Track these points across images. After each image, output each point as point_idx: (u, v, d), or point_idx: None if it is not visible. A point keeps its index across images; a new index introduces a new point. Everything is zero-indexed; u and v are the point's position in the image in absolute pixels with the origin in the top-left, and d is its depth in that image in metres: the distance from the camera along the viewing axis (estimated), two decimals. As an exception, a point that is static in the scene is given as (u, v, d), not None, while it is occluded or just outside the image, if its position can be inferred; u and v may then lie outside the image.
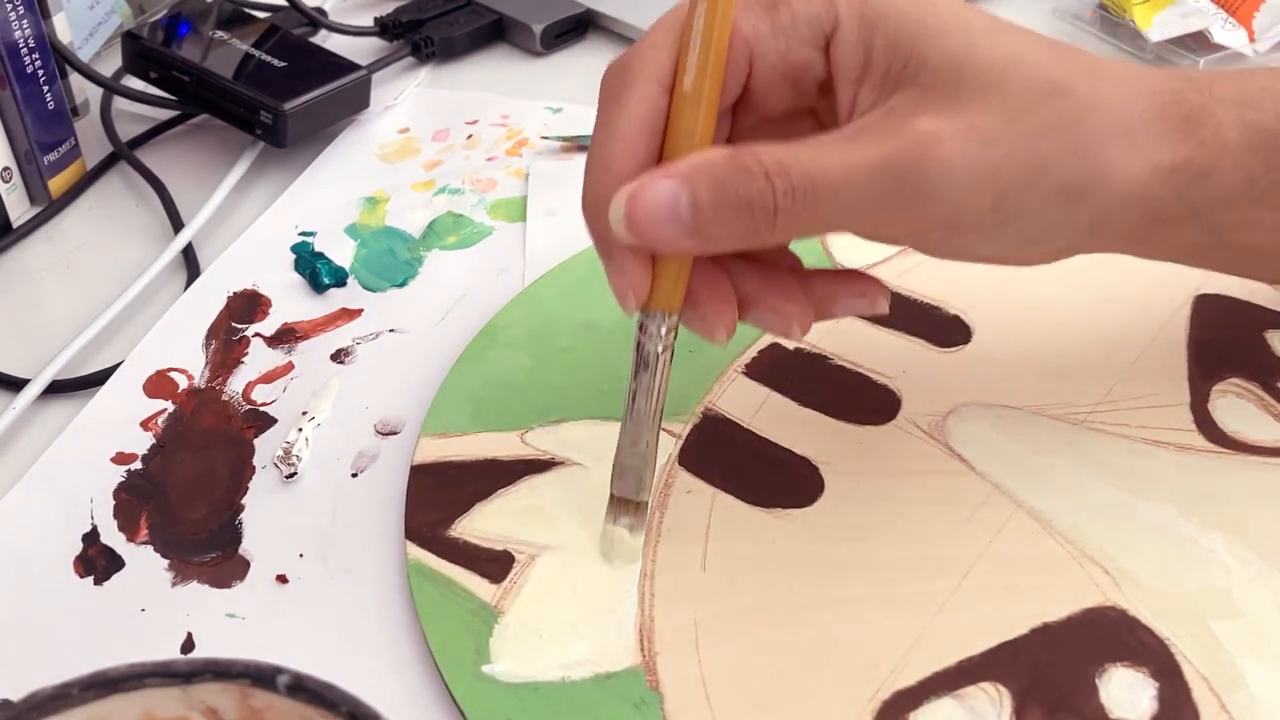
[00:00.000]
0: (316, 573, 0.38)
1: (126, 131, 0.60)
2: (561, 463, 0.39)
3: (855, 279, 0.35)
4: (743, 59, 0.32)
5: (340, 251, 0.51)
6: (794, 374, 0.42)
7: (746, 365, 0.42)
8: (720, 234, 0.31)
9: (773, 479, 0.38)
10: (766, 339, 0.43)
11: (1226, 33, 0.58)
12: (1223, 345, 0.41)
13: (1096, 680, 0.32)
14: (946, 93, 0.30)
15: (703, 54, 0.32)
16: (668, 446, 0.40)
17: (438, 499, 0.38)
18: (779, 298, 0.34)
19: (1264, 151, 0.33)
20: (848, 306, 0.35)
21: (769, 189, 0.30)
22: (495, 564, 0.36)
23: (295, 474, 0.41)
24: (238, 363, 0.46)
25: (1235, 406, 0.39)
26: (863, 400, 0.40)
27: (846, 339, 0.43)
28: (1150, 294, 0.43)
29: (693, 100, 0.32)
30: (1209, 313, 0.42)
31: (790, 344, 0.43)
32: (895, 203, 0.30)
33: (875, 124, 0.31)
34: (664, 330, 0.33)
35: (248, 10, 0.63)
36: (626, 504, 0.36)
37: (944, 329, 0.43)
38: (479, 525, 0.38)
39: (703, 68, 0.32)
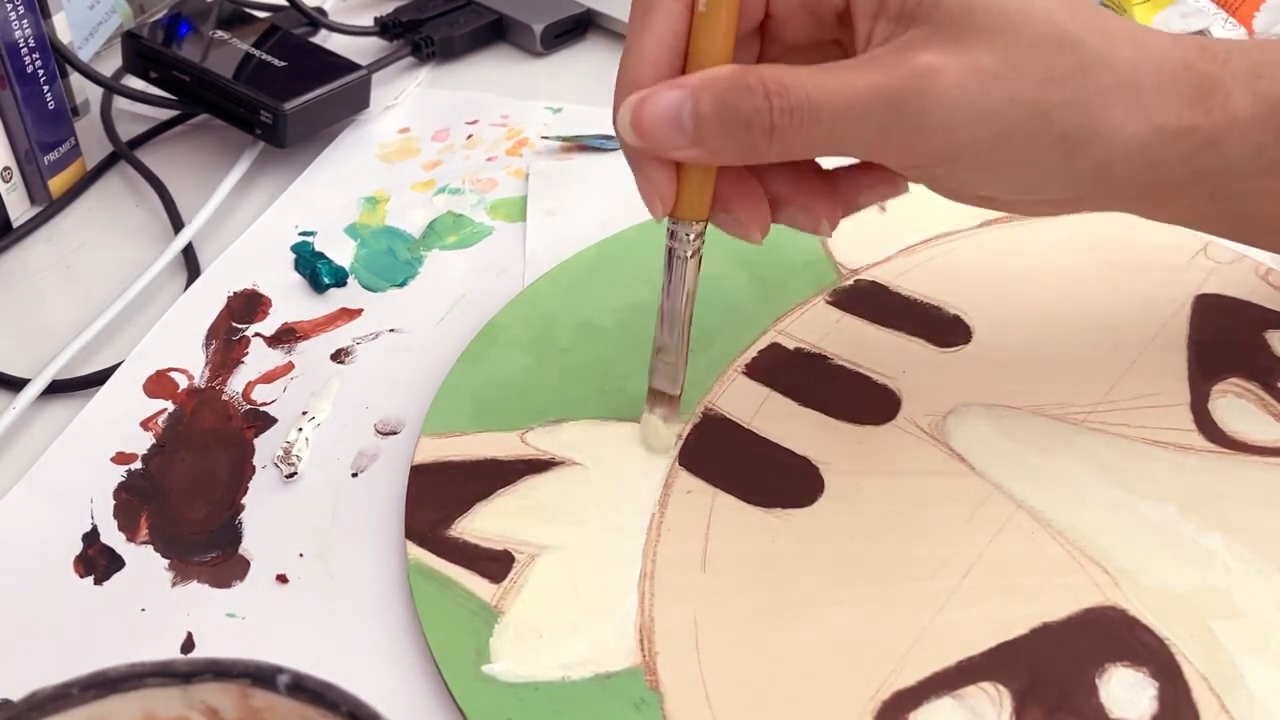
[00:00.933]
0: (316, 573, 0.38)
1: (127, 131, 0.60)
2: (562, 463, 0.39)
3: (873, 170, 0.36)
4: None
5: (340, 251, 0.51)
6: (794, 374, 0.42)
7: (746, 365, 0.42)
8: (721, 145, 0.32)
9: (773, 479, 0.38)
10: (766, 339, 0.43)
11: (1227, 32, 0.58)
12: (1223, 345, 0.41)
13: (1096, 680, 0.32)
14: (957, 32, 0.31)
15: None
16: (668, 446, 0.40)
17: (438, 499, 0.38)
18: (808, 196, 0.35)
19: (1274, 122, 0.33)
20: (872, 194, 0.36)
21: (766, 106, 0.31)
22: (495, 564, 0.36)
23: (295, 474, 0.41)
24: (238, 363, 0.46)
25: (1235, 406, 0.39)
26: (863, 400, 0.40)
27: (847, 339, 0.43)
28: (1150, 294, 0.43)
29: (710, 20, 0.33)
30: (1209, 313, 0.42)
31: (790, 344, 0.43)
32: (893, 130, 0.31)
33: (883, 55, 0.32)
34: (691, 235, 0.35)
35: (248, 10, 0.63)
36: (661, 396, 0.38)
37: (944, 329, 0.43)
38: (479, 525, 0.38)
39: None
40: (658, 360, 0.38)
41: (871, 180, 0.36)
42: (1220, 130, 0.33)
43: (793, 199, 0.35)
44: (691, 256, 0.36)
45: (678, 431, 0.39)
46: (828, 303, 0.44)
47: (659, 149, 0.33)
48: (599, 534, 0.37)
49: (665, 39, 0.33)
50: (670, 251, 0.36)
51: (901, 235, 0.47)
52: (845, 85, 0.31)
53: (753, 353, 0.43)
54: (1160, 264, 0.44)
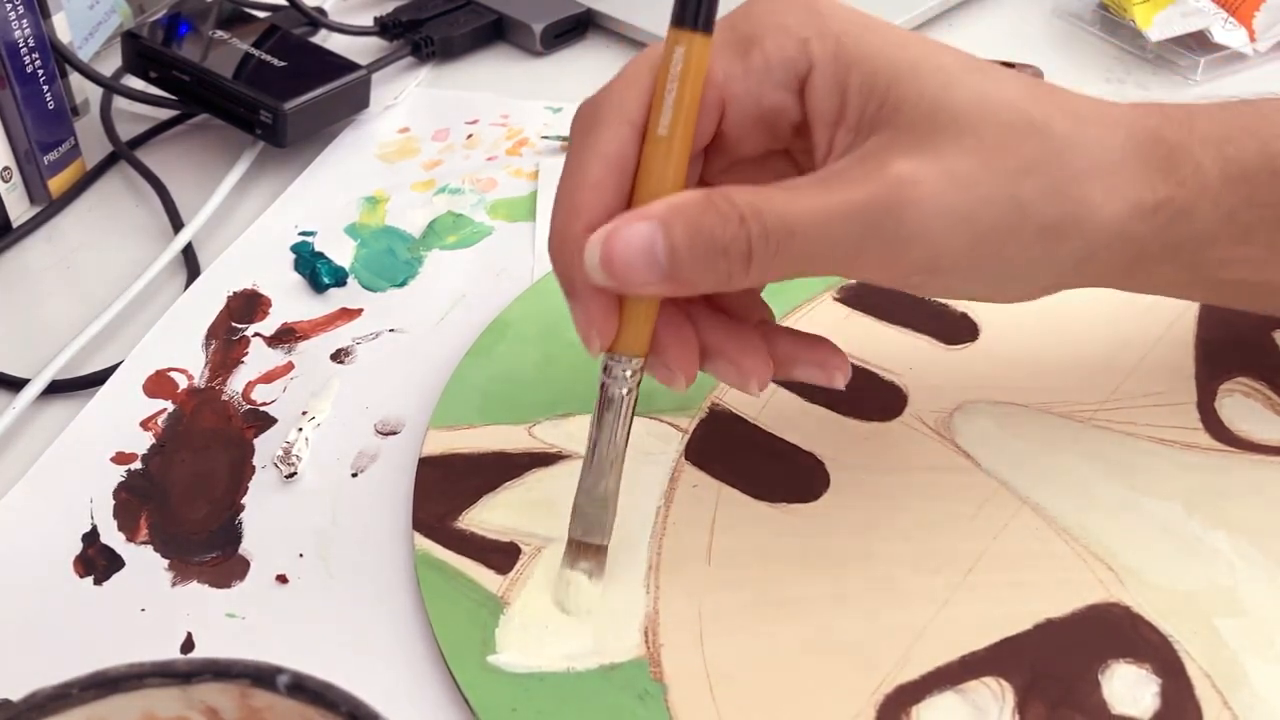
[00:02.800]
0: (316, 573, 0.38)
1: (126, 131, 0.60)
2: (568, 456, 0.39)
3: (818, 346, 0.35)
4: (715, 103, 0.32)
5: (340, 251, 0.51)
6: None
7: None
8: (696, 277, 0.30)
9: (778, 474, 0.38)
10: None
11: (1227, 32, 0.58)
12: (1230, 344, 0.41)
13: (1099, 676, 0.32)
14: (923, 135, 0.30)
15: (679, 97, 0.31)
16: (675, 441, 0.40)
17: (446, 491, 0.39)
18: (740, 351, 0.34)
19: (1245, 189, 0.32)
20: (805, 373, 0.35)
21: (743, 233, 0.30)
22: (502, 555, 0.36)
23: (295, 474, 0.41)
24: (238, 363, 0.46)
25: (1242, 405, 0.39)
26: (869, 397, 0.40)
27: (854, 335, 0.43)
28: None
29: (666, 143, 0.31)
30: (1216, 312, 0.42)
31: None
32: (871, 247, 0.30)
33: (851, 167, 0.31)
34: (629, 373, 0.33)
35: (248, 10, 0.63)
36: (586, 548, 0.35)
37: (951, 326, 0.43)
38: (486, 517, 0.38)
39: (678, 111, 0.31)
40: (584, 507, 0.35)
41: (811, 359, 0.34)
42: (1193, 200, 0.32)
43: (723, 350, 0.33)
44: (628, 394, 0.33)
45: (601, 590, 0.35)
46: (835, 299, 0.44)
47: (628, 286, 0.31)
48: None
49: (610, 163, 0.31)
50: (604, 388, 0.33)
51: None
52: (818, 204, 0.30)
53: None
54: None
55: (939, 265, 0.31)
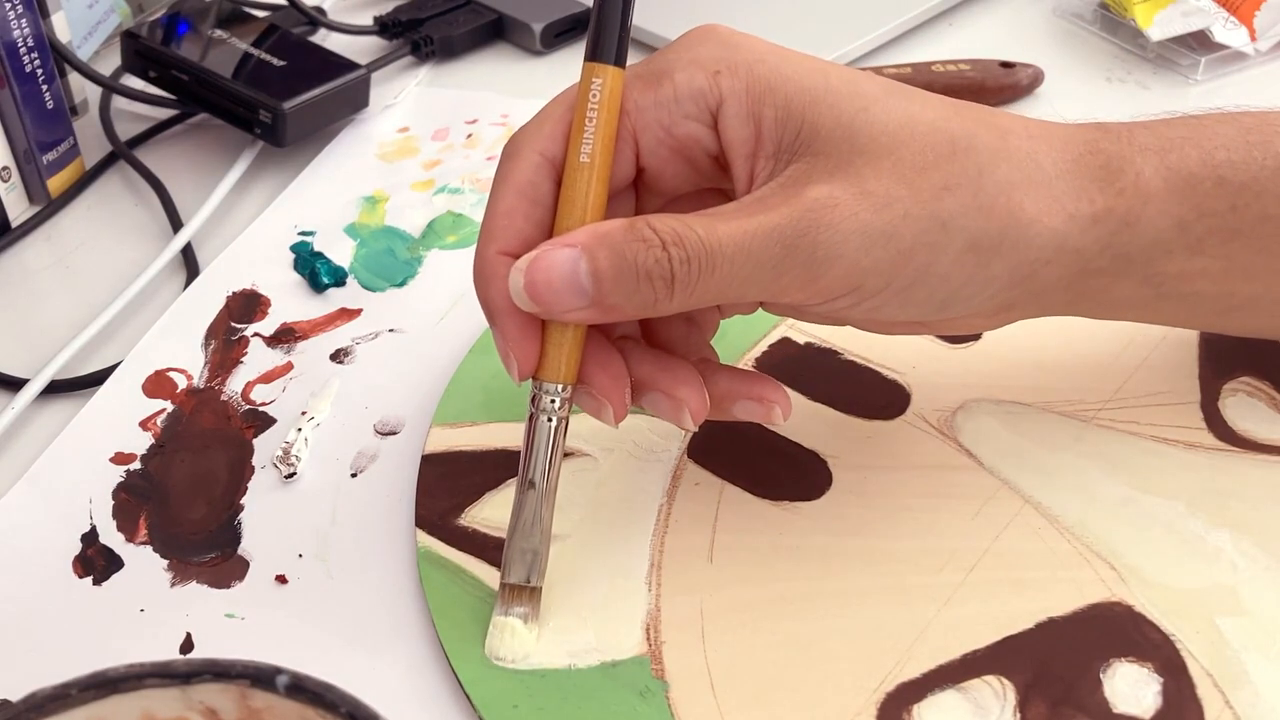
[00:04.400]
0: (316, 573, 0.38)
1: (125, 131, 0.60)
2: (571, 454, 0.39)
3: (756, 382, 0.35)
4: (628, 134, 0.33)
5: (340, 251, 0.51)
6: (804, 368, 0.42)
7: (757, 359, 0.42)
8: (621, 302, 0.31)
9: (781, 472, 0.38)
10: (778, 333, 0.43)
11: (1227, 32, 0.58)
12: (1233, 344, 0.41)
13: (1101, 675, 0.32)
14: (840, 160, 0.31)
15: (598, 125, 0.32)
16: (677, 439, 0.40)
17: (448, 488, 0.39)
18: (671, 383, 0.33)
19: (1193, 198, 0.32)
20: (744, 409, 0.35)
21: (665, 258, 0.30)
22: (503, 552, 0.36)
23: (294, 474, 0.41)
24: (237, 363, 0.46)
25: (1245, 405, 0.39)
26: (872, 395, 0.40)
27: (858, 334, 0.42)
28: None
29: (588, 169, 0.32)
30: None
31: (801, 339, 0.43)
32: (790, 268, 0.30)
33: (770, 194, 0.31)
34: (555, 403, 0.33)
35: (247, 9, 0.63)
36: (519, 591, 0.34)
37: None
38: (489, 514, 0.38)
39: (598, 138, 0.32)
40: (515, 547, 0.33)
41: (750, 395, 0.34)
42: (1136, 210, 0.32)
43: (657, 384, 0.33)
44: (556, 424, 0.33)
45: (537, 634, 0.34)
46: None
47: (554, 312, 0.31)
48: (607, 525, 0.37)
49: (520, 190, 0.32)
50: (531, 418, 0.33)
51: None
52: (737, 228, 0.30)
53: (763, 346, 0.43)
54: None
55: (863, 284, 0.31)
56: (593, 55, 0.32)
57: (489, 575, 0.36)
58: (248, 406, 0.44)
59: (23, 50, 0.52)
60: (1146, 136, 0.33)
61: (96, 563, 0.38)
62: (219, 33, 0.58)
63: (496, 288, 0.32)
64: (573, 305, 0.31)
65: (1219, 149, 0.33)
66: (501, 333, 0.32)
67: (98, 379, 0.46)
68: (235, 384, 0.45)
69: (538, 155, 0.32)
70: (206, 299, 0.49)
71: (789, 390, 0.40)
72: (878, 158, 0.30)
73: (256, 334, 0.47)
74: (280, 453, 0.41)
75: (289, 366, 0.45)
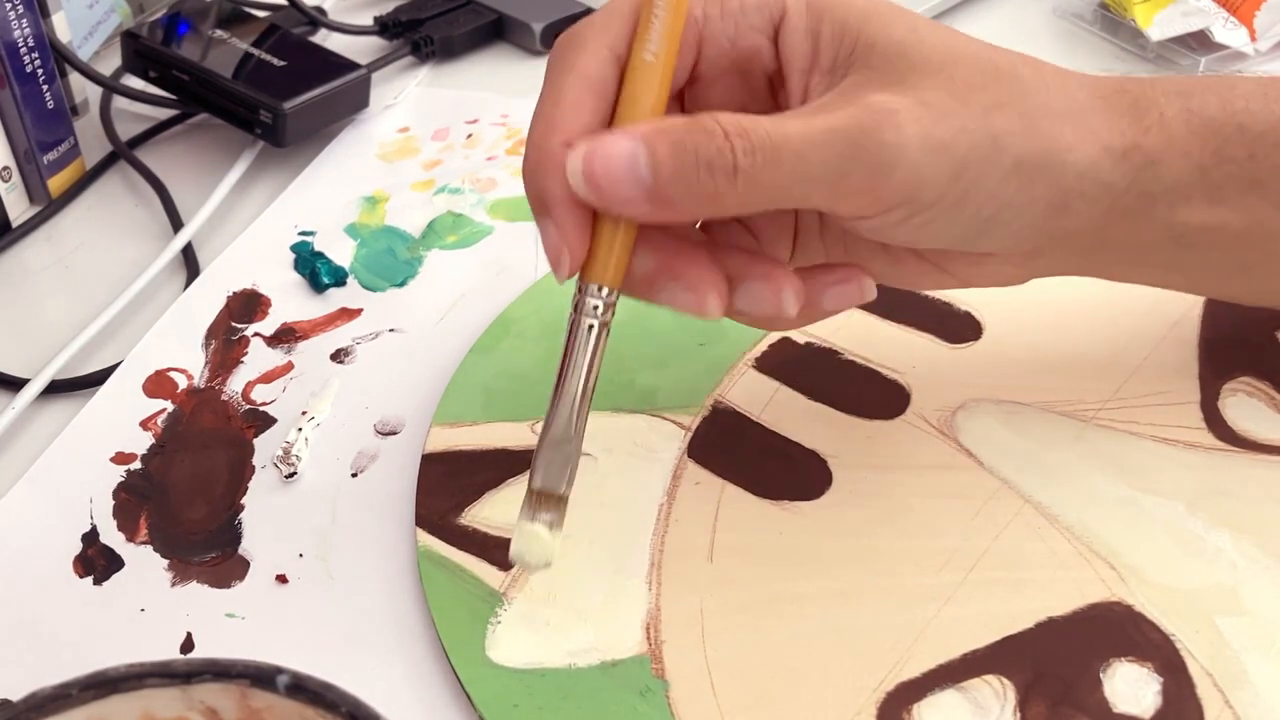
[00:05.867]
0: (316, 573, 0.38)
1: (126, 131, 0.60)
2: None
3: (836, 269, 0.34)
4: (692, 42, 0.33)
5: (340, 251, 0.51)
6: (804, 368, 0.42)
7: (757, 359, 0.42)
8: (680, 195, 0.30)
9: (781, 472, 0.38)
10: (777, 334, 0.43)
11: (1228, 32, 0.58)
12: (1233, 344, 0.41)
13: (1101, 675, 0.32)
14: (896, 75, 0.31)
15: (666, 25, 0.32)
16: (677, 439, 0.40)
17: (448, 487, 0.39)
18: (764, 274, 0.33)
19: (1213, 142, 0.33)
20: (836, 297, 0.34)
21: (729, 148, 0.30)
22: (504, 551, 0.36)
23: (295, 474, 0.41)
24: (237, 362, 0.46)
25: (1245, 405, 0.39)
26: (872, 395, 0.40)
27: (857, 334, 0.43)
28: (1162, 291, 0.43)
29: (651, 69, 0.32)
30: (1220, 311, 0.42)
31: (801, 339, 0.43)
32: (855, 169, 0.30)
33: (831, 101, 0.31)
34: (598, 307, 0.32)
35: (247, 9, 0.63)
36: (546, 498, 0.33)
37: (954, 325, 0.43)
38: (489, 514, 0.38)
39: (665, 38, 0.32)
40: (546, 453, 0.32)
41: (835, 279, 0.34)
42: (1160, 149, 0.33)
43: (750, 274, 0.33)
44: (598, 328, 0.32)
45: (559, 542, 0.33)
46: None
47: (610, 201, 0.30)
48: (607, 524, 0.37)
49: (589, 84, 0.32)
50: (573, 323, 0.32)
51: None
52: (804, 126, 0.30)
53: (763, 346, 0.43)
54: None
55: (919, 196, 0.31)
56: None
57: (489, 575, 0.36)
58: (248, 406, 0.44)
59: (23, 50, 0.52)
60: (1169, 82, 0.34)
61: (97, 562, 0.38)
62: (219, 33, 0.58)
63: (555, 177, 0.31)
64: (629, 195, 0.30)
65: (1238, 98, 0.34)
66: (556, 223, 0.31)
67: (98, 379, 0.46)
68: (235, 384, 0.45)
69: (607, 50, 0.32)
70: (207, 299, 0.49)
71: (789, 390, 0.41)
72: (931, 74, 0.31)
73: (257, 334, 0.47)
74: (280, 453, 0.41)
75: (289, 366, 0.45)
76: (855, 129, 0.30)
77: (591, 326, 0.32)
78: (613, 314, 0.32)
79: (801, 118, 0.31)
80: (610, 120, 0.32)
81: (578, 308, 0.32)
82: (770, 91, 0.34)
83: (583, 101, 0.32)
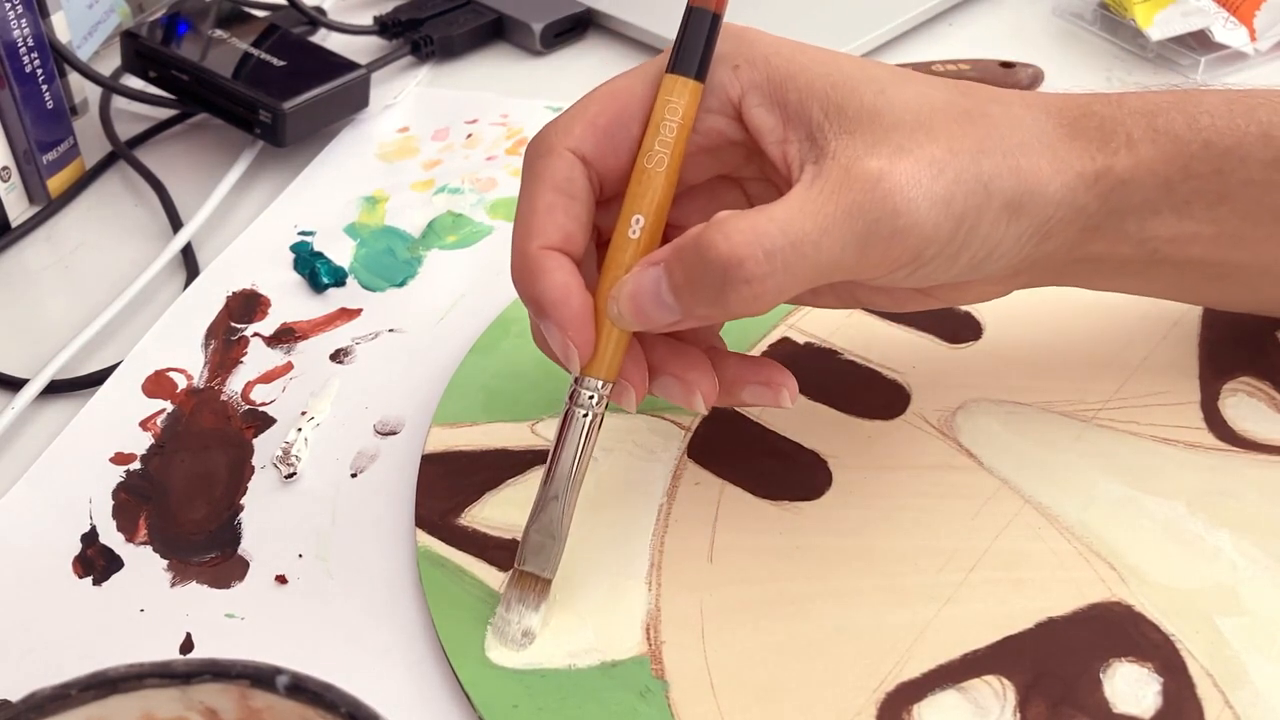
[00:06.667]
0: (316, 573, 0.38)
1: (125, 131, 0.60)
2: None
3: (764, 367, 0.35)
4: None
5: (339, 251, 0.51)
6: (804, 368, 0.41)
7: (755, 360, 0.42)
8: (707, 310, 0.31)
9: (781, 472, 0.38)
10: (778, 333, 0.43)
11: (1228, 31, 0.58)
12: (1233, 344, 0.41)
13: (1101, 675, 0.32)
14: (876, 137, 0.31)
15: (675, 136, 0.33)
16: (677, 439, 0.40)
17: (448, 487, 0.39)
18: (683, 367, 0.34)
19: (1180, 159, 0.34)
20: (753, 394, 0.35)
21: (742, 274, 0.30)
22: (504, 552, 0.36)
23: (294, 474, 0.41)
24: (237, 362, 0.46)
25: (1245, 405, 0.39)
26: (872, 395, 0.41)
27: (857, 334, 0.43)
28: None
29: (654, 176, 0.33)
30: (1220, 311, 0.42)
31: (801, 338, 0.43)
32: (872, 242, 0.31)
33: (824, 179, 0.31)
34: (594, 399, 0.33)
35: (247, 9, 0.63)
36: (529, 579, 0.34)
37: (955, 325, 0.43)
38: (489, 514, 0.38)
39: (673, 147, 0.33)
40: (535, 537, 0.34)
41: (757, 379, 0.35)
42: (1128, 169, 0.33)
43: (669, 368, 0.34)
44: (594, 419, 0.33)
45: (540, 624, 0.34)
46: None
47: (653, 326, 0.32)
48: (607, 525, 0.37)
49: (557, 187, 0.33)
50: (568, 414, 0.33)
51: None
52: (814, 211, 0.30)
53: (763, 347, 0.43)
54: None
55: (924, 252, 0.32)
56: (673, 67, 0.33)
57: (489, 575, 0.36)
58: (248, 406, 0.44)
59: (23, 50, 0.52)
60: (1136, 101, 0.35)
61: (96, 563, 0.38)
62: (219, 33, 0.58)
63: (545, 282, 0.32)
64: (666, 319, 0.32)
65: (1204, 114, 0.34)
66: (559, 324, 0.32)
67: (98, 379, 0.46)
68: (235, 384, 0.45)
69: (569, 153, 0.33)
70: (206, 299, 0.49)
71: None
72: (911, 131, 0.31)
73: (256, 334, 0.47)
74: (280, 453, 0.41)
75: (289, 366, 0.45)
76: (864, 202, 0.30)
77: (587, 415, 0.33)
78: (606, 404, 0.33)
79: (804, 203, 0.31)
80: (587, 219, 0.33)
81: (573, 398, 0.33)
82: (747, 161, 0.35)
83: (555, 205, 0.33)
